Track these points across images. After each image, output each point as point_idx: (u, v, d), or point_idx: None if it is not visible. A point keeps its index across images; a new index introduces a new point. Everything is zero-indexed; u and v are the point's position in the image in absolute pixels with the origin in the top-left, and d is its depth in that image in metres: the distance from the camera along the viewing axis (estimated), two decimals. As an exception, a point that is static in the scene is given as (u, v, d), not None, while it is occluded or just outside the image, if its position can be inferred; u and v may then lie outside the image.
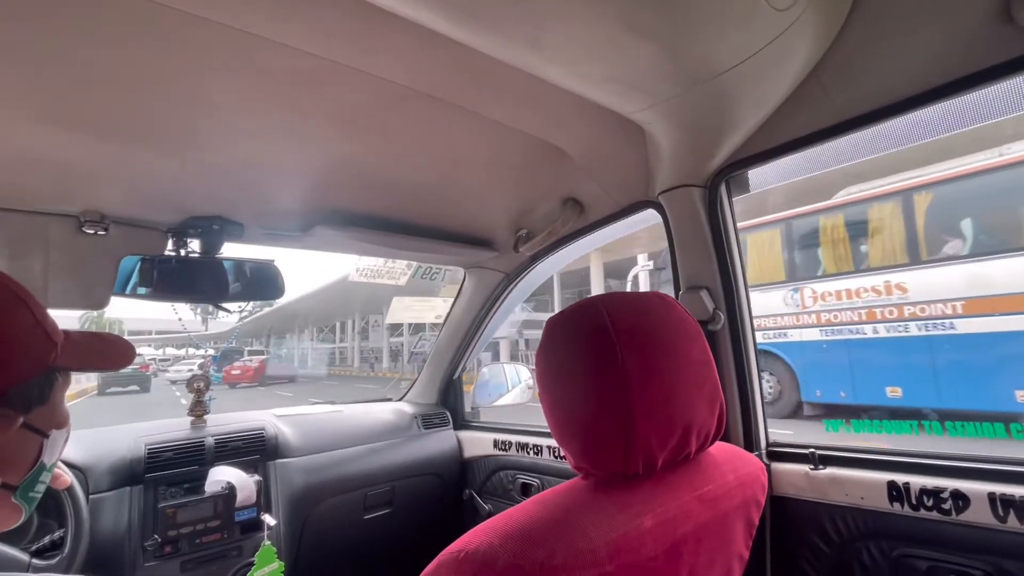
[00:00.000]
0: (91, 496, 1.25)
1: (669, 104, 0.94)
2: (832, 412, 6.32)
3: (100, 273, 1.30)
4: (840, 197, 6.38)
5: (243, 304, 1.54)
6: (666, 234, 1.26)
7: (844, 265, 6.25)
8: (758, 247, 6.95)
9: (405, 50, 0.84)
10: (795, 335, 6.57)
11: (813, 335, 6.40)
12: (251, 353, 27.40)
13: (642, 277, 8.07)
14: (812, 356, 6.40)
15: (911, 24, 0.82)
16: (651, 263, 8.74)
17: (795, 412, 6.56)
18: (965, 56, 0.80)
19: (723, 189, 1.18)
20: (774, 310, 6.70)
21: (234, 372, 20.85)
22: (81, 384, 18.26)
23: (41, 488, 0.52)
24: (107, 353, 0.56)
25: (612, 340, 0.62)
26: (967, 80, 0.81)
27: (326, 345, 34.25)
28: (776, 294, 6.70)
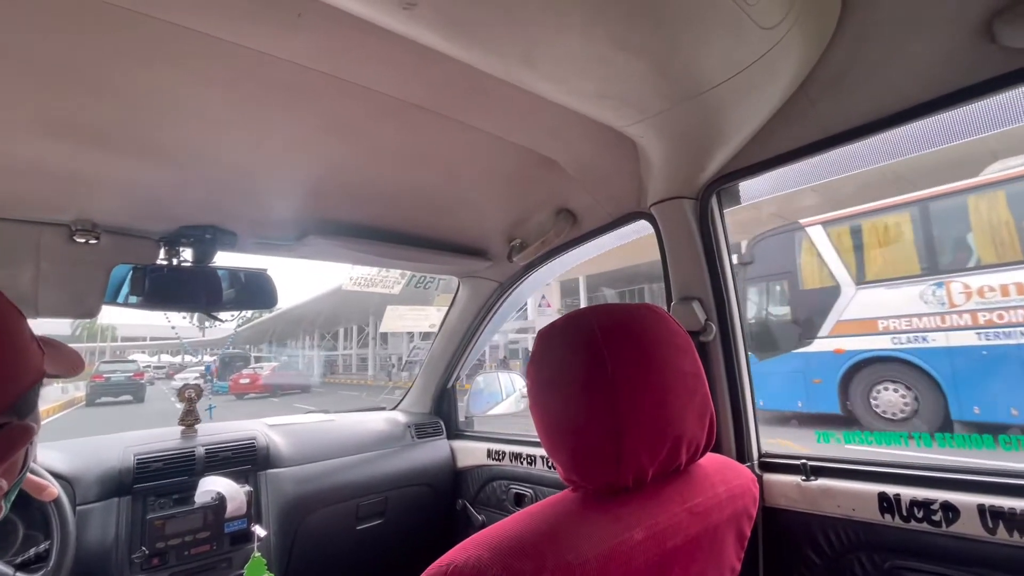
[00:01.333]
0: (78, 507, 1.23)
1: (660, 118, 0.95)
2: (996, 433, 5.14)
3: (91, 282, 1.29)
4: (993, 173, 5.17)
5: (235, 312, 1.53)
6: (658, 245, 1.27)
7: (1009, 253, 4.95)
8: (878, 235, 5.82)
9: (400, 64, 0.85)
10: (939, 339, 5.28)
11: (967, 339, 5.10)
12: (257, 360, 25.83)
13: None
14: (967, 365, 5.11)
15: (896, 43, 0.84)
16: (734, 256, 7.87)
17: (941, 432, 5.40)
18: (949, 73, 0.82)
19: (714, 201, 1.19)
20: (906, 309, 5.45)
21: (242, 381, 18.95)
22: (68, 394, 17.59)
23: (17, 490, 0.54)
24: (71, 359, 0.57)
25: (601, 351, 0.62)
26: (951, 97, 0.83)
27: (333, 352, 33.21)
28: (909, 290, 5.47)
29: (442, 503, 1.95)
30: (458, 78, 0.88)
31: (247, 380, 19.13)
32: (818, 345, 6.19)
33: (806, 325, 6.34)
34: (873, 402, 5.85)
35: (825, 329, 6.14)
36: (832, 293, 6.09)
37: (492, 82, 0.84)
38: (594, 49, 0.76)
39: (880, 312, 5.72)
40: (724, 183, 1.15)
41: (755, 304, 6.89)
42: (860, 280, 5.94)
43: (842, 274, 6.06)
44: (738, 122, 1.00)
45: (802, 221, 6.45)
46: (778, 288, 6.80)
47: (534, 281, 1.88)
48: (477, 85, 0.91)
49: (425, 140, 1.14)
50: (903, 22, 0.82)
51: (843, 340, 5.99)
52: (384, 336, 26.41)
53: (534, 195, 1.47)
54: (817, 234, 6.28)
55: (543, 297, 16.65)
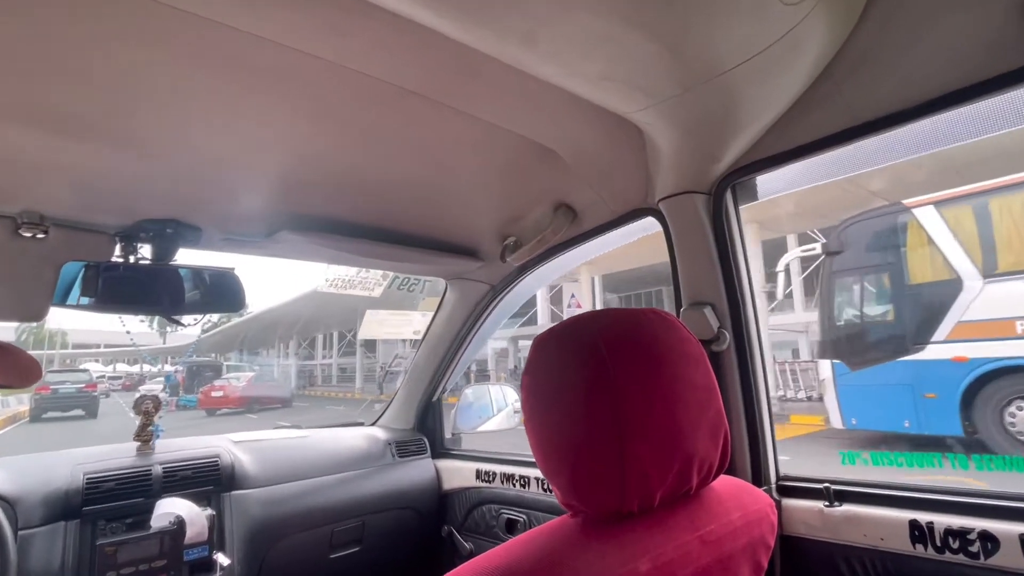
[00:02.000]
0: (20, 532, 1.21)
1: (670, 104, 0.94)
2: None
3: (38, 281, 1.26)
4: None
5: (199, 316, 1.50)
6: (667, 245, 1.26)
7: None
8: (1014, 216, 5.15)
9: (390, 45, 0.84)
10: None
11: None
12: (230, 369, 24.89)
13: (795, 269, 6.57)
14: None
15: (930, 21, 0.83)
16: (816, 246, 6.78)
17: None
18: (987, 57, 0.81)
19: (729, 196, 1.18)
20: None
21: (215, 394, 17.93)
22: (10, 408, 17.00)
23: None
24: (25, 366, 0.54)
25: (605, 362, 0.60)
26: (990, 83, 0.82)
27: (311, 362, 32.81)
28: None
29: (426, 529, 1.93)
30: (453, 60, 0.87)
31: (220, 393, 18.19)
32: (932, 352, 5.52)
33: (915, 327, 5.76)
34: (1009, 422, 5.16)
35: (941, 332, 5.50)
36: (950, 288, 5.45)
37: (490, 64, 0.83)
38: (601, 27, 0.75)
39: (1018, 311, 5.01)
40: (740, 176, 1.14)
41: (845, 301, 6.32)
42: (989, 272, 5.29)
43: (964, 265, 5.40)
44: (756, 109, 1.00)
45: (907, 202, 5.85)
46: (876, 282, 6.23)
47: (529, 284, 1.87)
48: (474, 68, 0.90)
49: (413, 128, 1.13)
50: None
51: (966, 345, 5.32)
52: (372, 344, 25.55)
53: (531, 189, 1.46)
54: (928, 216, 5.64)
55: (572, 296, 16.62)
